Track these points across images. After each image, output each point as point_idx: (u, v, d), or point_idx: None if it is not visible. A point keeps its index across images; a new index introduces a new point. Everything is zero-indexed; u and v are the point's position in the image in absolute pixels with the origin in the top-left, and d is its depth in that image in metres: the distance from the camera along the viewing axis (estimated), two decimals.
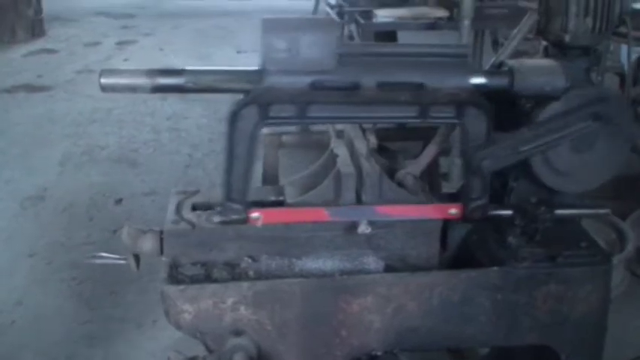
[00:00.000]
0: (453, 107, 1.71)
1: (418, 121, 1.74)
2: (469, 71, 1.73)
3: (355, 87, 1.67)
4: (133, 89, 1.68)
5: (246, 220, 1.73)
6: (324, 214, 1.79)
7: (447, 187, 3.26)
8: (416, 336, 1.79)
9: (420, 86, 1.69)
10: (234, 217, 1.72)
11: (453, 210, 1.82)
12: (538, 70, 1.74)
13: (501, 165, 1.78)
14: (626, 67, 5.17)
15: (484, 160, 1.74)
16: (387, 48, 1.83)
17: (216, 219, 1.73)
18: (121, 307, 3.22)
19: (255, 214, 1.74)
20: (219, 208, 1.74)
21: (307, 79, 1.65)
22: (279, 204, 1.86)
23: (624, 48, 4.56)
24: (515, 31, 1.83)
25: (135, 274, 2.78)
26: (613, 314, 2.74)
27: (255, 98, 1.65)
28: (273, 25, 1.63)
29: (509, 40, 1.83)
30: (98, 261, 1.94)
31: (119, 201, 4.05)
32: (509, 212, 1.83)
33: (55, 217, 4.04)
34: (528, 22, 1.82)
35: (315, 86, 1.66)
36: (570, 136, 1.76)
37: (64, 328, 2.98)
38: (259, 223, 1.75)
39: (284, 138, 2.67)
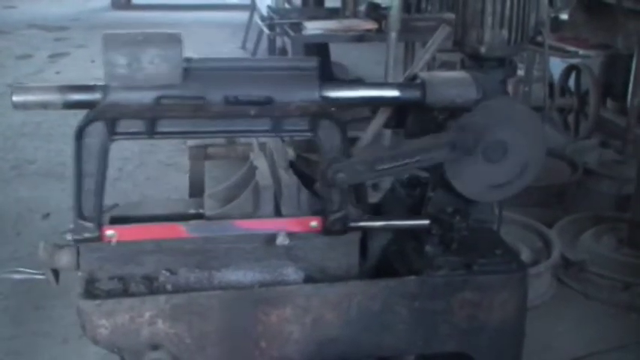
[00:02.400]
0: (307, 120, 1.73)
1: (272, 135, 1.75)
2: (318, 84, 1.74)
3: (202, 101, 1.67)
4: (44, 106, 1.67)
5: (99, 238, 1.72)
6: (180, 230, 1.78)
7: (377, 198, 3.29)
8: (336, 346, 1.80)
9: (268, 99, 1.70)
10: (87, 235, 1.71)
11: (314, 223, 1.82)
12: (450, 82, 1.78)
13: (357, 180, 1.80)
14: (555, 77, 5.30)
15: (339, 172, 1.75)
16: (235, 62, 1.83)
17: (69, 237, 1.71)
18: (46, 322, 3.16)
19: (109, 232, 1.73)
20: (71, 226, 1.72)
21: (153, 94, 1.65)
22: (200, 217, 1.86)
23: (553, 58, 4.68)
24: (429, 43, 1.87)
25: (60, 289, 2.74)
26: (539, 320, 2.80)
27: (100, 114, 1.64)
28: (116, 41, 1.62)
29: (423, 53, 1.86)
30: (17, 276, 1.91)
31: (46, 216, 3.98)
32: (421, 222, 1.85)
33: None
34: (442, 34, 1.85)
35: (161, 101, 1.65)
36: (426, 162, 1.79)
37: None
38: (114, 241, 1.73)
39: (210, 150, 2.67)
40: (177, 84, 1.65)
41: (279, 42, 5.27)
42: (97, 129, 1.64)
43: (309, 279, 1.84)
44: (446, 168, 1.82)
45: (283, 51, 5.39)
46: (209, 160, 2.70)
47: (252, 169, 1.90)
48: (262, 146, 2.05)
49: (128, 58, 1.62)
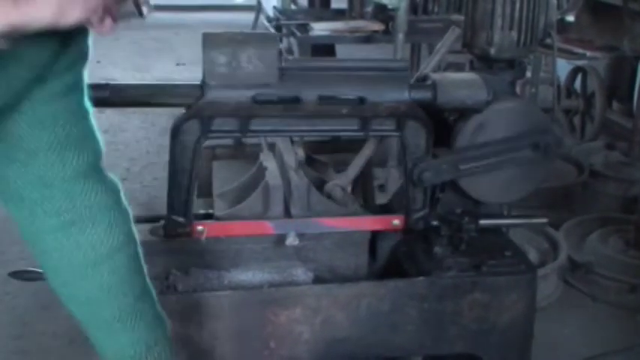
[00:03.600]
0: (394, 120, 1.74)
1: (360, 134, 1.77)
2: (408, 85, 1.76)
3: (296, 100, 1.69)
4: None
5: (190, 234, 1.74)
6: (267, 227, 1.81)
7: (384, 198, 3.30)
8: (345, 346, 1.80)
9: (361, 100, 1.72)
10: (179, 230, 1.73)
11: (396, 221, 1.85)
12: (460, 83, 1.78)
13: (442, 179, 1.82)
14: (561, 79, 5.30)
15: (425, 172, 1.77)
16: (328, 62, 1.86)
17: (161, 232, 1.73)
18: (54, 323, 3.16)
19: (199, 227, 1.75)
20: (163, 222, 1.73)
21: (249, 93, 1.67)
22: (209, 216, 1.87)
23: (559, 60, 4.67)
24: (439, 44, 1.87)
25: None
26: (546, 322, 2.80)
27: (196, 112, 1.66)
28: (215, 40, 1.64)
29: (433, 54, 1.87)
30: (25, 277, 1.91)
31: None
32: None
33: None
34: (452, 36, 1.86)
35: (256, 100, 1.67)
36: (509, 163, 1.81)
37: None
38: (204, 236, 1.75)
39: (218, 150, 2.68)
40: (273, 83, 1.67)
41: (285, 43, 5.26)
42: (193, 127, 1.66)
43: (318, 279, 1.85)
44: None
45: (289, 52, 5.39)
46: (217, 160, 2.71)
47: (262, 170, 1.91)
48: (271, 147, 2.05)
49: (227, 57, 1.64)
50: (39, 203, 1.19)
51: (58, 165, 1.17)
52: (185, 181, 1.69)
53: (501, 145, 1.83)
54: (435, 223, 1.86)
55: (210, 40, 1.64)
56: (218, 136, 1.72)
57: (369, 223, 1.86)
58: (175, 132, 1.66)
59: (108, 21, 1.08)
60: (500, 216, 1.95)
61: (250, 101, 1.67)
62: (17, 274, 1.91)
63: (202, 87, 1.66)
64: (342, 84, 1.74)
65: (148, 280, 1.32)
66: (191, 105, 1.66)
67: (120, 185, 1.30)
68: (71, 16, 1.01)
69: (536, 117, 1.86)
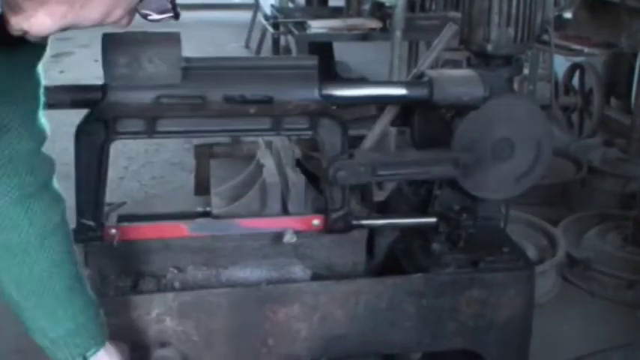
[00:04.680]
0: (307, 119, 1.73)
1: (272, 133, 1.75)
2: (318, 82, 1.72)
3: (201, 100, 1.66)
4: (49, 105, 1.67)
5: (101, 237, 1.72)
6: (184, 229, 1.78)
7: (381, 196, 3.30)
8: (343, 343, 1.80)
9: (268, 98, 1.69)
10: (90, 234, 1.71)
11: (316, 221, 1.83)
12: (457, 80, 1.78)
13: (358, 181, 1.80)
14: (559, 76, 5.30)
15: (340, 171, 1.75)
16: (235, 61, 1.82)
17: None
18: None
19: (112, 231, 1.73)
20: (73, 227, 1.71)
21: (152, 94, 1.63)
22: (206, 215, 1.87)
23: (557, 57, 4.68)
24: (435, 41, 1.87)
25: None
26: (544, 318, 2.80)
27: (99, 113, 1.63)
28: (115, 40, 1.61)
29: (430, 51, 1.87)
30: None
31: None
32: (428, 220, 1.86)
33: None
34: (448, 32, 1.86)
35: (160, 100, 1.64)
36: (427, 176, 1.82)
37: None
38: (116, 240, 1.73)
39: (215, 148, 2.67)
40: (176, 83, 1.64)
41: (282, 41, 5.27)
42: (97, 128, 1.64)
43: (316, 277, 1.85)
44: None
45: (287, 50, 5.39)
46: (214, 158, 2.70)
47: (259, 168, 1.91)
48: (269, 145, 2.05)
49: (128, 58, 1.61)
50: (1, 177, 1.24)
51: (22, 140, 1.24)
52: (93, 184, 1.68)
53: (420, 157, 1.83)
54: (432, 220, 1.86)
55: (110, 41, 1.61)
56: (125, 138, 1.69)
57: (290, 222, 1.83)
58: (79, 134, 1.64)
59: (131, 17, 1.16)
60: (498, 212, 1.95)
61: (154, 102, 1.64)
62: None
63: (104, 88, 1.63)
64: (248, 82, 1.70)
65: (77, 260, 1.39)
66: (93, 107, 1.63)
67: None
68: (114, 16, 1.10)
69: (534, 114, 1.86)
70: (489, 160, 1.82)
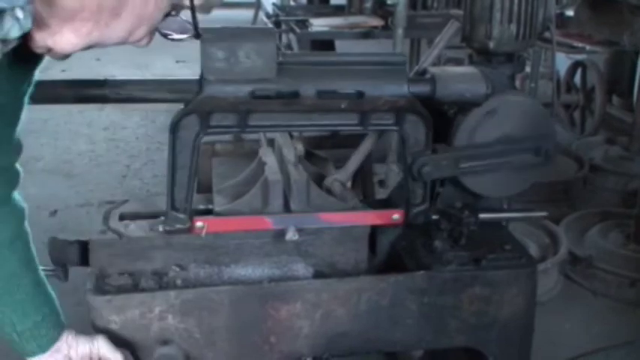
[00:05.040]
0: (392, 115, 1.74)
1: (359, 128, 1.76)
2: (407, 79, 1.75)
3: (295, 95, 1.68)
4: (56, 100, 1.68)
5: (190, 230, 1.73)
6: (266, 222, 1.80)
7: (384, 194, 3.30)
8: (345, 341, 1.80)
9: (359, 94, 1.71)
10: (179, 226, 1.72)
11: (396, 216, 1.85)
12: (459, 77, 1.78)
13: (441, 175, 1.81)
14: (561, 74, 5.29)
15: (424, 166, 1.76)
16: (327, 57, 1.85)
17: (161, 228, 1.72)
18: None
19: (199, 223, 1.74)
20: (163, 218, 1.73)
21: (247, 88, 1.65)
22: (209, 212, 1.86)
23: (559, 55, 4.68)
24: (437, 38, 1.87)
25: (69, 287, 2.74)
26: (546, 316, 2.80)
27: (195, 108, 1.65)
28: (213, 35, 1.63)
29: (432, 48, 1.86)
30: None
31: (54, 213, 3.99)
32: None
33: None
34: (450, 29, 1.85)
35: (255, 95, 1.66)
36: (509, 165, 1.81)
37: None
38: (203, 232, 1.75)
39: (217, 146, 2.67)
40: (271, 78, 1.66)
41: (284, 39, 5.27)
42: (192, 122, 1.65)
43: (318, 274, 1.85)
44: None
45: (289, 48, 5.39)
46: (216, 157, 2.70)
47: (261, 165, 1.91)
48: (271, 142, 2.05)
49: (225, 52, 1.63)
50: None
51: None
52: (185, 178, 1.68)
53: (502, 147, 1.82)
54: (435, 217, 1.86)
55: (209, 35, 1.63)
56: (217, 132, 1.71)
57: (369, 217, 1.86)
58: (174, 128, 1.65)
59: (151, 37, 1.22)
60: (500, 210, 1.95)
61: (249, 96, 1.66)
62: None
63: (200, 82, 1.65)
64: (340, 78, 1.73)
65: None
66: (189, 101, 1.65)
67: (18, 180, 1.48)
68: (137, 35, 1.13)
69: (537, 113, 1.86)
70: (492, 164, 1.82)
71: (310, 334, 1.77)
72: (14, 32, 0.93)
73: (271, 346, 1.76)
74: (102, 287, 1.71)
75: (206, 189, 2.21)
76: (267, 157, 1.93)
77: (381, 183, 3.61)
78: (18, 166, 1.45)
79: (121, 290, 1.71)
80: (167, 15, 1.23)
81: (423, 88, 1.75)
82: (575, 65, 5.30)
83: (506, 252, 1.86)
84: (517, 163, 1.83)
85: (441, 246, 1.83)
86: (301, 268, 1.84)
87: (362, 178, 2.13)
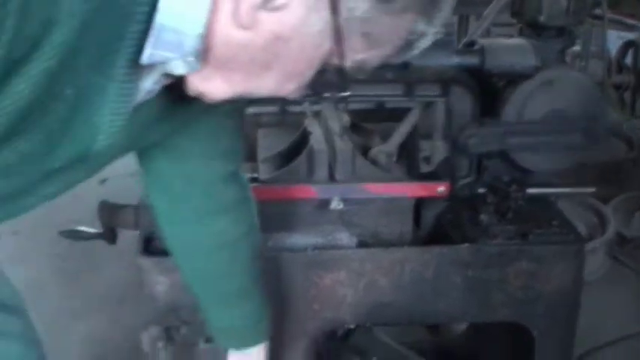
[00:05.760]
0: (439, 85, 1.73)
1: (405, 99, 1.75)
2: (455, 50, 1.74)
3: None
4: None
5: None
6: (311, 191, 1.81)
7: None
8: (388, 311, 1.81)
9: (405, 64, 1.70)
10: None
11: (441, 188, 1.85)
12: (508, 49, 1.76)
13: (488, 148, 1.80)
14: (612, 53, 5.19)
15: (471, 138, 1.75)
16: None
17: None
18: (103, 284, 3.24)
19: None
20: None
21: None
22: (254, 180, 1.87)
23: (611, 33, 4.59)
24: (486, 11, 1.85)
25: (117, 251, 2.78)
26: (592, 297, 2.76)
27: None
28: None
29: (481, 21, 1.85)
30: (75, 235, 1.95)
31: (103, 181, 4.05)
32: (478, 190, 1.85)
33: None
34: (499, 2, 1.83)
35: None
36: (557, 145, 1.79)
37: (46, 302, 3.00)
38: None
39: (263, 118, 2.67)
40: None
41: None
42: None
43: (362, 244, 1.85)
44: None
45: None
46: (262, 128, 2.71)
47: (306, 135, 1.91)
48: (317, 114, 2.05)
49: None
50: (182, 198, 1.37)
51: (205, 170, 1.34)
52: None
53: (551, 124, 1.80)
54: (481, 190, 1.85)
55: None
56: (262, 103, 1.72)
57: (414, 189, 1.85)
58: None
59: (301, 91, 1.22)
60: (549, 185, 1.93)
61: None
62: (67, 233, 1.94)
63: None
64: None
65: (259, 267, 1.50)
66: None
67: (248, 182, 1.49)
68: (286, 90, 1.14)
69: (589, 90, 1.83)
70: (540, 131, 1.80)
71: (353, 303, 1.78)
72: (180, 70, 0.97)
73: (315, 313, 1.77)
74: (150, 249, 1.74)
75: (251, 158, 2.22)
76: (313, 127, 1.93)
77: (427, 159, 3.58)
78: None
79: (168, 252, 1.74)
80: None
81: (471, 59, 1.74)
82: (627, 45, 5.18)
83: (554, 228, 1.84)
84: (566, 142, 1.81)
85: (487, 219, 1.82)
86: (345, 238, 1.84)
87: (407, 152, 2.11)
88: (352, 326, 1.98)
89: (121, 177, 4.13)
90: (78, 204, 3.82)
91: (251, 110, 2.66)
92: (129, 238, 1.75)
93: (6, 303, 1.31)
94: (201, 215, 1.39)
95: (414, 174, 1.99)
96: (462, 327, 2.46)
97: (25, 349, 1.36)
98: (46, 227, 3.61)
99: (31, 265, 3.32)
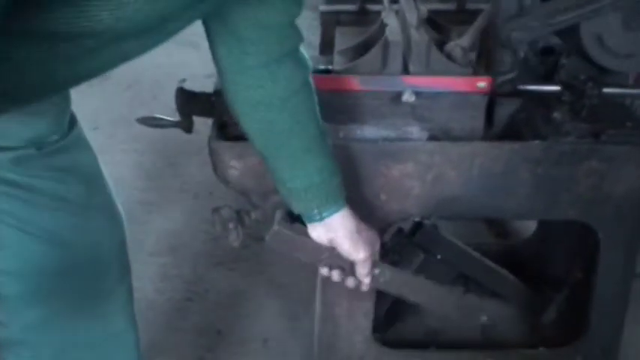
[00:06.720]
0: None
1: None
2: None
3: None
4: None
5: None
6: (355, 82, 1.82)
7: None
8: (455, 204, 1.82)
9: None
10: None
11: (482, 83, 1.81)
12: None
13: (532, 37, 1.76)
14: None
15: (514, 31, 1.71)
16: None
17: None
18: (179, 178, 3.33)
19: None
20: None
21: None
22: (328, 72, 1.89)
23: None
24: None
25: (193, 147, 2.85)
26: None
27: None
28: None
29: None
30: (152, 123, 2.00)
31: (182, 81, 4.11)
32: (552, 88, 1.82)
33: (120, 94, 4.15)
34: None
35: None
36: (606, 9, 1.72)
37: (123, 193, 3.11)
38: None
39: (341, 17, 2.67)
40: None
41: None
42: None
43: (432, 138, 1.85)
44: (582, 34, 1.77)
45: None
46: (340, 26, 2.70)
47: (383, 27, 1.90)
48: (393, 7, 2.03)
49: None
50: (254, 42, 1.36)
51: (278, 12, 1.34)
52: None
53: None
54: (556, 87, 1.82)
55: None
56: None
57: (453, 82, 1.82)
58: None
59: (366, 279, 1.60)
60: (626, 85, 1.89)
61: None
62: (144, 120, 2.00)
63: None
64: None
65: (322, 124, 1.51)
66: None
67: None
68: (357, 255, 1.53)
69: None
70: (619, 28, 1.75)
71: (420, 195, 1.80)
72: None
73: (381, 204, 1.80)
74: (224, 134, 1.78)
75: (328, 52, 2.23)
76: (390, 19, 1.93)
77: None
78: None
79: (242, 138, 1.78)
80: None
81: None
82: None
83: (628, 129, 1.81)
84: (617, 6, 1.73)
85: (560, 117, 1.80)
86: (416, 132, 1.84)
87: (485, 50, 2.08)
88: (419, 221, 2.01)
89: (198, 78, 4.21)
90: (157, 104, 3.93)
91: (330, 8, 2.68)
92: (205, 137, 1.79)
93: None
94: (269, 61, 1.39)
95: (491, 71, 1.97)
96: (528, 232, 2.47)
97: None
98: (124, 124, 3.73)
99: (109, 159, 3.43)
